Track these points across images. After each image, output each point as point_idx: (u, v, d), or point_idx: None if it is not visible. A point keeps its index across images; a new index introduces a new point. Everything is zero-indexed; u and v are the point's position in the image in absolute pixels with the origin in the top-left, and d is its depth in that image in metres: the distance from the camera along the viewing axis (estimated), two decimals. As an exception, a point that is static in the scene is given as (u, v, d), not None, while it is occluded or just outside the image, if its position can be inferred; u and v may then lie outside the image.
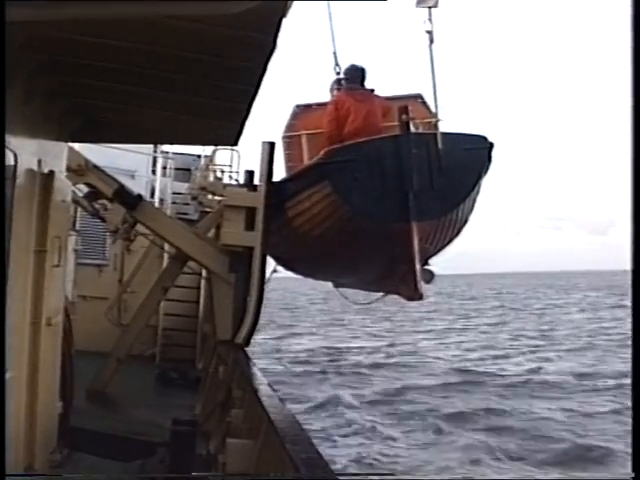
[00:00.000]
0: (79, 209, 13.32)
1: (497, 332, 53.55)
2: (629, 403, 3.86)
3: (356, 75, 12.32)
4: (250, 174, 12.99)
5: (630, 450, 3.73)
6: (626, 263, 3.68)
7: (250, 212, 11.89)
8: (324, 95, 13.15)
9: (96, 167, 12.08)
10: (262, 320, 11.99)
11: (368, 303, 15.42)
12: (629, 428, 3.87)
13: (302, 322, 63.65)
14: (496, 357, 38.46)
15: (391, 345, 43.92)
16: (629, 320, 3.91)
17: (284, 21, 4.66)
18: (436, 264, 11.73)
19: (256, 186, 12.22)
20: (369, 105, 11.92)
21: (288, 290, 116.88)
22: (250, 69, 5.66)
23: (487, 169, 11.45)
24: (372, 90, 12.30)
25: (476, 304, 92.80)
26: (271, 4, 4.13)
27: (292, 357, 37.65)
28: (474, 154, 11.11)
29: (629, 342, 3.99)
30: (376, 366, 34.67)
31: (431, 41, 10.74)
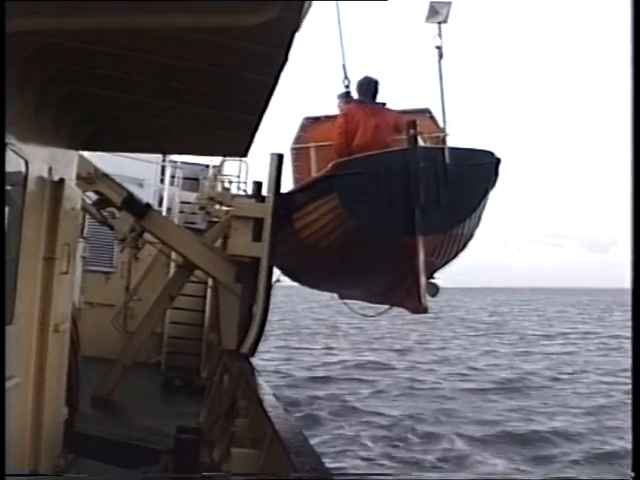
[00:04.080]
0: (87, 216, 13.38)
1: None
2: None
3: (369, 87, 12.22)
4: (258, 185, 13.00)
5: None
6: (628, 282, 3.54)
7: (257, 223, 11.92)
8: (333, 108, 13.17)
9: (105, 175, 12.13)
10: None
11: (372, 316, 15.40)
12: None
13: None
14: None
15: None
16: None
17: (296, 35, 4.69)
18: (441, 277, 11.75)
19: (264, 197, 12.23)
20: (378, 119, 11.89)
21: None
22: (261, 82, 5.68)
23: (494, 184, 11.44)
24: (384, 104, 12.27)
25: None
26: (284, 18, 4.15)
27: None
28: (481, 169, 11.10)
29: None
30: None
31: (440, 56, 10.75)
